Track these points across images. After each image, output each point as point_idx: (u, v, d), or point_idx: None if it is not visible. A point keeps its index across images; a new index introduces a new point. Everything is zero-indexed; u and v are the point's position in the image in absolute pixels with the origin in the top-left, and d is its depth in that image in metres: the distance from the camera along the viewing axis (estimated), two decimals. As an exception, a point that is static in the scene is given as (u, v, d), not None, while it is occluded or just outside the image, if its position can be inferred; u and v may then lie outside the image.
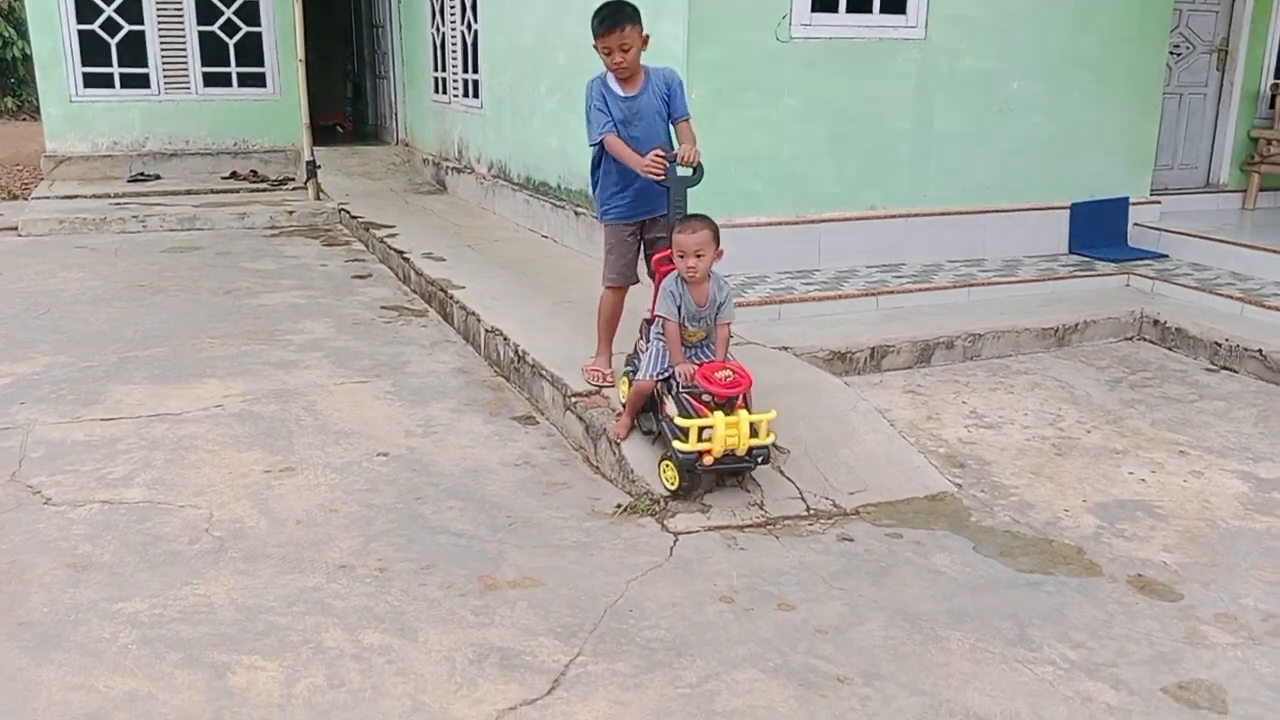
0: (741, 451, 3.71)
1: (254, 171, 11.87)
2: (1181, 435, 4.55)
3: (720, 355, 3.93)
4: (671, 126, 4.34)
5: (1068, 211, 7.02)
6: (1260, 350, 5.34)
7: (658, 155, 4.07)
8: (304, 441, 4.40)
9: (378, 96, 14.01)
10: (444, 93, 10.78)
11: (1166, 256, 6.91)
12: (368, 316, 6.52)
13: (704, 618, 3.10)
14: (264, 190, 11.05)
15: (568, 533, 3.66)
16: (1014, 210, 6.88)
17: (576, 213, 7.51)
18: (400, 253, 7.64)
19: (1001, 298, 6.18)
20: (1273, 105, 8.17)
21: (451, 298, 6.32)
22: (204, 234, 9.31)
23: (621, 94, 4.27)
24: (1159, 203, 7.43)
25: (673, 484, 3.85)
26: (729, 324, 4.00)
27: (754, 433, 3.71)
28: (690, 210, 4.09)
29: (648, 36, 4.23)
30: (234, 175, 11.72)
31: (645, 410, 4.13)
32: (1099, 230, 7.04)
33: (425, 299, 6.94)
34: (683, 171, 4.17)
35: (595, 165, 4.45)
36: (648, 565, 3.42)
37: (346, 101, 15.29)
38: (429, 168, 11.59)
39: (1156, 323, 5.92)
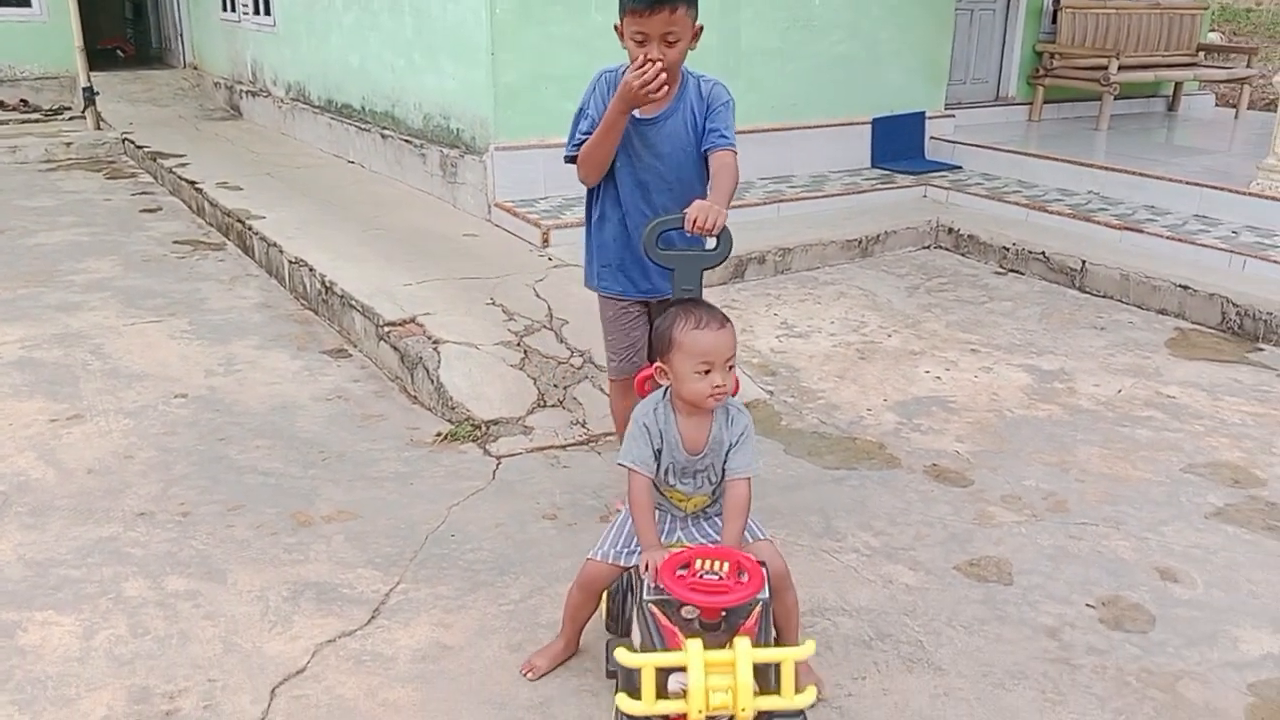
0: None
1: (24, 101, 10.85)
2: (973, 335, 4.84)
3: (733, 535, 2.24)
4: (707, 157, 2.79)
5: (869, 126, 7.26)
6: (1043, 253, 5.72)
7: (644, 71, 2.56)
8: (92, 387, 4.10)
9: (160, 17, 12.99)
10: (233, 10, 10.09)
11: (960, 167, 7.27)
12: (159, 252, 6.11)
13: (527, 536, 3.11)
14: (37, 121, 10.12)
15: (385, 464, 3.58)
16: (819, 126, 7.06)
17: (383, 135, 7.23)
18: (192, 183, 7.17)
19: (809, 212, 6.36)
20: (1055, 20, 8.65)
21: (250, 229, 5.99)
22: (-32, 170, 8.46)
23: (638, 113, 2.74)
24: (953, 116, 7.79)
25: None
26: (748, 480, 2.30)
27: (772, 681, 2.02)
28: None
29: (701, 29, 2.69)
30: (1, 105, 10.67)
31: (617, 628, 2.46)
32: (898, 144, 7.32)
33: (223, 232, 6.55)
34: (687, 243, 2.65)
35: (588, 210, 3.00)
36: (470, 490, 3.39)
37: (126, 23, 14.11)
38: (221, 92, 10.87)
39: (951, 230, 6.25)
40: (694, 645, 1.97)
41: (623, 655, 2.00)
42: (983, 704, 2.40)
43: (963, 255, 6.13)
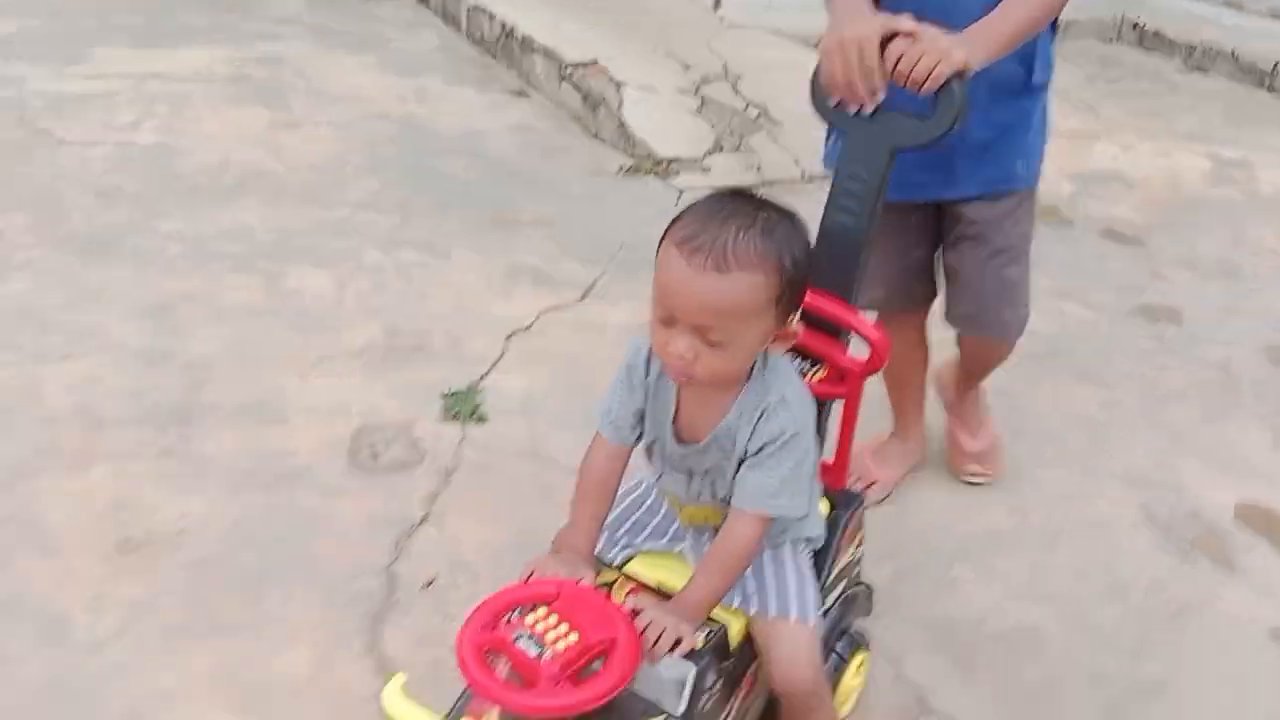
0: None
1: None
2: (1152, 123, 4.76)
3: (696, 594, 1.34)
4: None
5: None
6: (1233, 51, 5.49)
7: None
8: (301, 102, 4.40)
9: None
10: None
11: (1151, -39, 6.87)
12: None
13: (712, 253, 3.33)
14: None
15: (574, 186, 3.81)
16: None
17: (553, -105, 7.15)
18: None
19: (986, -5, 6.16)
20: None
21: (429, -22, 6.11)
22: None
23: None
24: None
25: None
26: (759, 520, 1.35)
27: None
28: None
29: None
30: None
31: None
32: (1087, -68, 6.93)
33: (397, -18, 6.68)
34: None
35: None
36: (655, 213, 3.58)
37: None
38: None
39: (1136, 25, 6.00)
40: None
41: (391, 695, 1.23)
42: (1145, 414, 2.59)
43: (1146, 50, 5.91)
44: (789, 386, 1.36)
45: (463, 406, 2.36)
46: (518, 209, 3.55)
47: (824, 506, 1.62)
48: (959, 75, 1.40)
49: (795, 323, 1.32)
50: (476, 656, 1.16)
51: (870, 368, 1.54)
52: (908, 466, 2.30)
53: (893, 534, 2.13)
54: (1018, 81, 1.82)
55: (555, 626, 1.19)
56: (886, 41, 1.43)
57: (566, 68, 4.59)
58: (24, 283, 2.79)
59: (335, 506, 2.11)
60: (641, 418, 1.44)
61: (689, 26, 5.21)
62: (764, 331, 1.28)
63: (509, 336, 2.71)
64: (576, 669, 1.16)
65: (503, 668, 1.19)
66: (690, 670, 1.29)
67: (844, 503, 1.66)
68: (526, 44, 4.95)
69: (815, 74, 1.55)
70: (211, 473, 2.17)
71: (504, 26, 5.18)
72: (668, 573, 1.45)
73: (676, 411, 1.40)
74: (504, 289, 2.97)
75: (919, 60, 1.39)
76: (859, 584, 1.75)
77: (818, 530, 1.55)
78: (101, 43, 4.95)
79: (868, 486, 2.16)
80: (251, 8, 5.82)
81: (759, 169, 4.04)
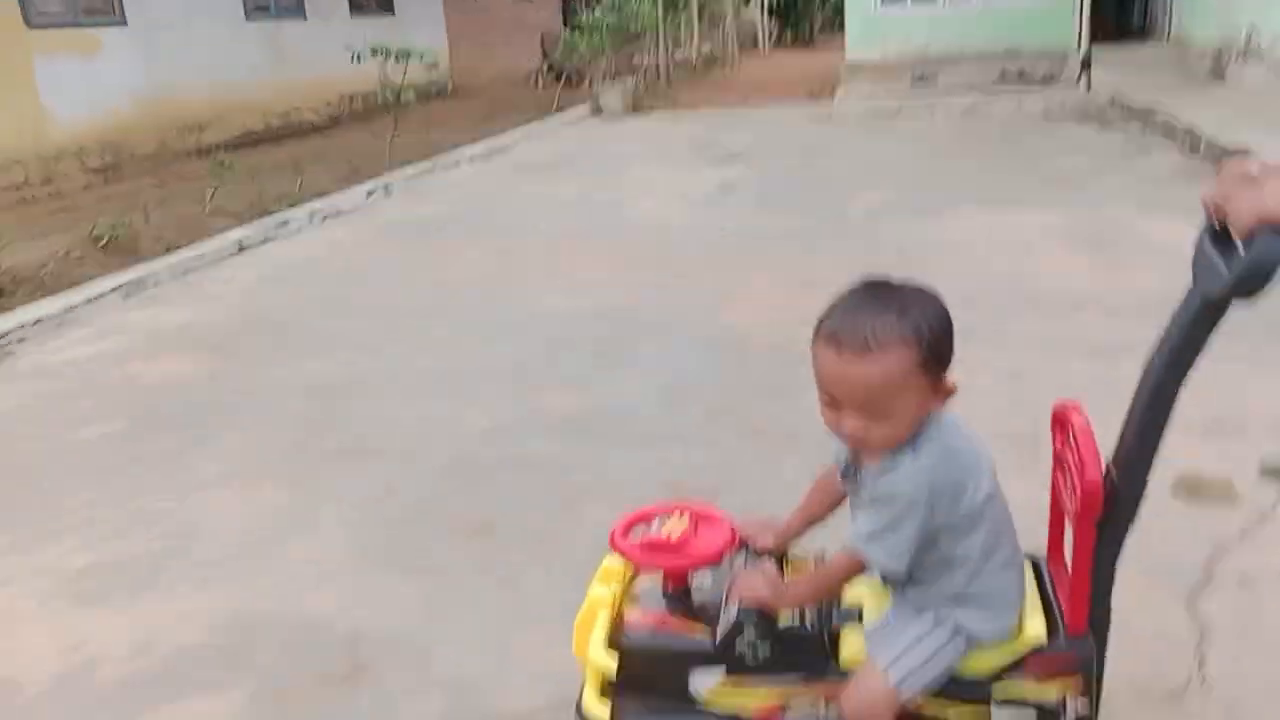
0: None
1: (1021, 72, 12.56)
2: None
3: (798, 588, 1.58)
4: None
5: None
6: None
7: None
8: (1124, 251, 5.03)
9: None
10: (1239, -25, 10.29)
11: None
12: (1155, 176, 6.85)
13: None
14: (1033, 88, 11.69)
15: None
16: None
17: None
18: (1187, 130, 7.74)
19: None
20: None
21: (1256, 159, 6.37)
22: (984, 122, 10.27)
23: None
24: None
25: None
26: (855, 555, 1.50)
27: None
28: None
29: None
30: (1002, 76, 12.53)
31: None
32: None
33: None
34: None
35: None
36: None
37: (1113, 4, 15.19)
38: (1205, 61, 11.18)
39: None
40: (612, 561, 1.68)
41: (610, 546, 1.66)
42: None
43: None
44: (913, 453, 1.43)
45: (1281, 472, 2.68)
46: None
47: (1035, 624, 1.51)
48: (1275, 228, 1.17)
49: (949, 379, 1.41)
50: (630, 520, 1.65)
51: (1079, 506, 1.40)
52: None
53: None
54: None
55: (676, 529, 1.61)
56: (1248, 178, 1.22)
57: None
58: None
59: (1162, 515, 2.60)
60: (843, 454, 1.58)
61: None
62: (921, 394, 1.40)
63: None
64: (658, 548, 1.59)
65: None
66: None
67: (1063, 644, 1.48)
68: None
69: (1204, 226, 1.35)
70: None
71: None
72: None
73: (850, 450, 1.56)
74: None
75: (1239, 199, 1.22)
76: None
77: (984, 629, 1.50)
78: (950, 206, 6.21)
79: None
80: (1077, 184, 6.74)
81: None
